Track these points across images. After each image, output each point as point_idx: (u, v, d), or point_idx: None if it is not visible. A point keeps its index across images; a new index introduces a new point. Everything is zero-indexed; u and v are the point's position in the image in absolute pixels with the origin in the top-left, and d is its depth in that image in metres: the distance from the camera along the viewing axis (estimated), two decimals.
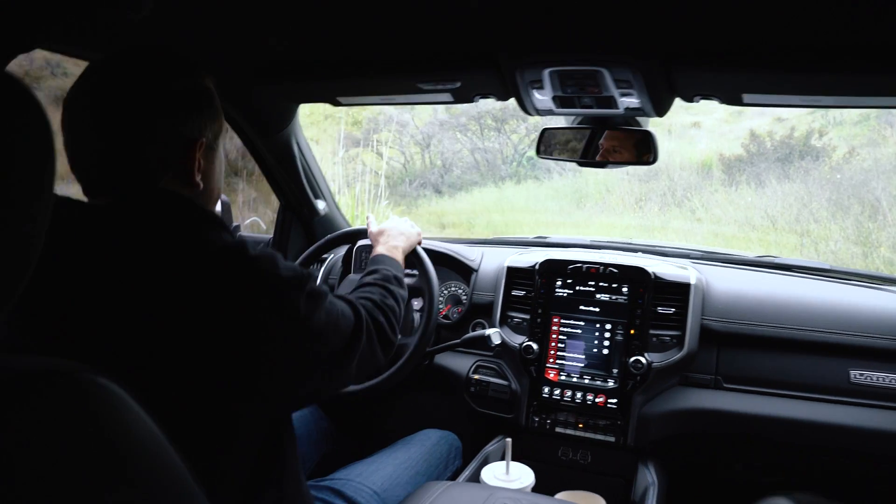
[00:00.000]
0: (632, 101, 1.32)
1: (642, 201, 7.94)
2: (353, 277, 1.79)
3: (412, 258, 1.61)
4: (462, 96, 1.45)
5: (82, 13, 1.09)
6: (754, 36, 1.08)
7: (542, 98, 1.36)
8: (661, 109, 1.36)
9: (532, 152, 8.77)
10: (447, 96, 1.46)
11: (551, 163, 8.39)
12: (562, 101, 1.36)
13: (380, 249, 1.48)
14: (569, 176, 8.90)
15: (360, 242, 1.77)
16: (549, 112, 1.43)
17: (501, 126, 9.98)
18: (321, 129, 9.74)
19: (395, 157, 9.85)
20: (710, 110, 9.46)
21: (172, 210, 0.90)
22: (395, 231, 1.56)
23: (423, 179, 9.66)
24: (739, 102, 1.30)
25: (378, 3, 1.05)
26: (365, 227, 1.64)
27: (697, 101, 1.35)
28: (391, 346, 1.18)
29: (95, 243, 0.86)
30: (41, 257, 0.82)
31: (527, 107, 1.41)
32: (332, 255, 1.96)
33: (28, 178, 0.57)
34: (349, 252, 1.91)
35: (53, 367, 0.59)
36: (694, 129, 9.59)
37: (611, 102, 1.33)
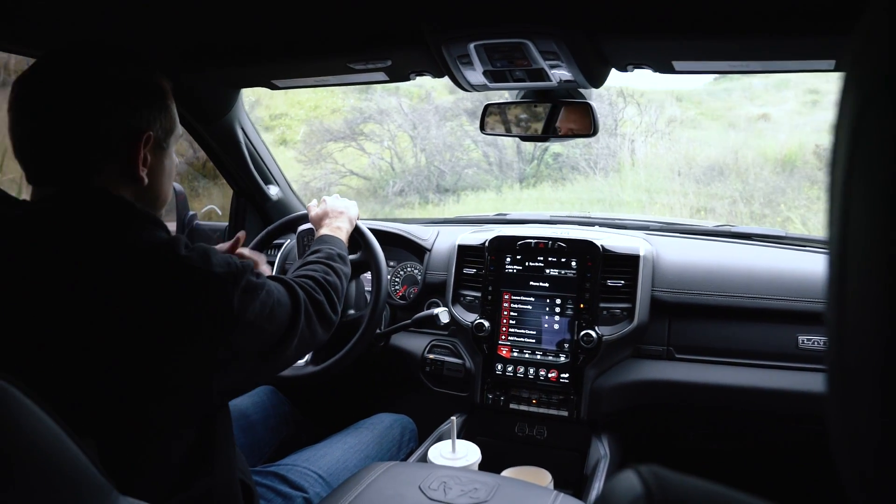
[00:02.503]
0: (563, 73, 1.30)
1: (703, 211, 6.20)
2: None
3: (357, 238, 1.60)
4: (396, 74, 1.44)
5: None
6: (680, 2, 1.07)
7: (475, 74, 1.34)
8: (595, 80, 1.34)
9: (557, 147, 7.51)
10: (381, 75, 1.44)
11: (581, 162, 7.61)
12: (494, 76, 1.34)
13: (323, 231, 1.49)
14: (590, 177, 7.45)
15: (301, 228, 1.75)
16: (485, 87, 1.41)
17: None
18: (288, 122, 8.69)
19: (378, 153, 8.18)
20: (778, 101, 8.37)
21: (104, 208, 0.89)
22: (335, 212, 1.56)
23: (412, 182, 7.88)
24: (671, 70, 1.28)
25: None
26: (305, 212, 1.63)
27: (631, 71, 1.33)
28: (331, 324, 1.18)
29: (25, 242, 0.84)
30: None
31: (461, 83, 1.39)
32: (287, 241, 1.94)
33: None
34: (300, 237, 1.90)
35: None
36: (762, 121, 8.27)
37: (542, 75, 1.31)
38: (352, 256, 1.66)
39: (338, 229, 1.50)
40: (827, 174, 0.34)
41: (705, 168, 6.83)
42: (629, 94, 8.06)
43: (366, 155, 8.03)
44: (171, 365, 0.85)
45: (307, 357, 1.61)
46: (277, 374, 1.21)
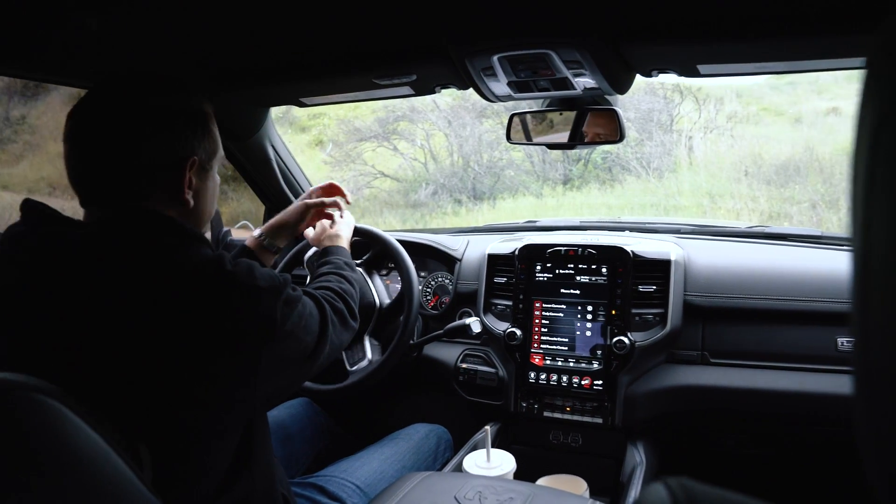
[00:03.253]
0: (587, 81, 1.30)
1: (779, 217, 5.46)
2: None
3: (365, 238, 1.67)
4: (422, 88, 1.46)
5: (31, 37, 1.11)
6: (702, 6, 1.07)
7: (499, 85, 1.35)
8: (619, 87, 1.34)
9: (606, 146, 7.29)
10: (407, 89, 1.46)
11: (633, 162, 7.02)
12: (518, 86, 1.35)
13: (324, 243, 1.52)
14: (643, 178, 6.73)
15: (307, 256, 1.75)
16: (509, 98, 1.42)
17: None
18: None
19: (411, 154, 7.59)
20: (849, 93, 7.43)
21: (152, 228, 0.92)
22: (332, 227, 1.59)
23: (445, 184, 7.23)
24: (696, 74, 1.28)
25: (325, 3, 1.06)
26: (305, 241, 1.70)
27: (656, 76, 1.33)
28: (353, 330, 1.23)
29: (80, 262, 0.87)
30: (29, 274, 0.85)
31: (486, 94, 1.40)
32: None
33: None
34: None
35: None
36: (832, 115, 7.60)
37: (566, 84, 1.32)
38: (366, 257, 1.69)
39: (336, 237, 1.53)
40: (848, 186, 0.34)
41: (777, 167, 6.02)
42: (685, 88, 7.53)
43: (398, 155, 7.57)
44: (219, 374, 0.88)
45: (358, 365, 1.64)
46: (311, 378, 1.26)
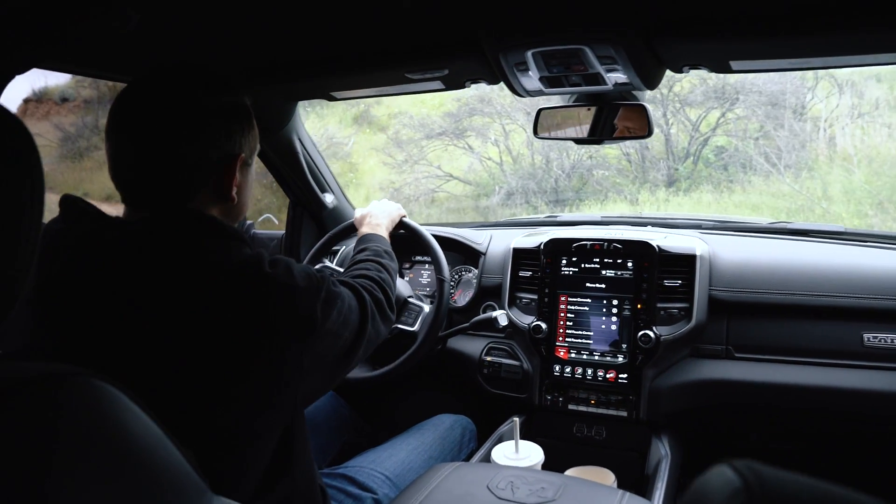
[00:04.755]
0: (619, 77, 1.31)
1: None
2: None
3: (423, 248, 1.69)
4: (452, 83, 1.46)
5: (72, 31, 1.13)
6: (735, 1, 1.07)
7: (531, 80, 1.36)
8: (650, 82, 1.35)
9: (721, 139, 5.81)
10: (437, 84, 1.47)
11: (757, 158, 5.47)
12: (550, 82, 1.36)
13: (364, 230, 1.56)
14: (772, 178, 5.30)
15: (343, 248, 1.81)
16: (540, 93, 1.43)
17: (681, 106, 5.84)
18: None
19: (485, 153, 6.43)
20: None
21: (195, 228, 0.92)
22: (376, 211, 1.64)
23: (523, 188, 6.06)
24: (728, 70, 1.28)
25: None
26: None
27: (687, 72, 1.34)
28: (391, 321, 1.23)
29: (124, 261, 0.88)
30: (69, 271, 0.86)
31: (516, 89, 1.41)
32: (343, 247, 1.99)
33: (14, 202, 0.60)
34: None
35: (51, 371, 0.62)
36: None
37: (598, 79, 1.33)
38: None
39: (377, 226, 1.56)
40: None
41: None
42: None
43: (470, 154, 6.51)
44: (259, 375, 0.88)
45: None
46: (349, 374, 1.27)
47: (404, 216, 1.71)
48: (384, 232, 1.55)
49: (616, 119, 1.51)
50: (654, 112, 1.53)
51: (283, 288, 0.91)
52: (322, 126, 6.68)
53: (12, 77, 1.15)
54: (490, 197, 6.13)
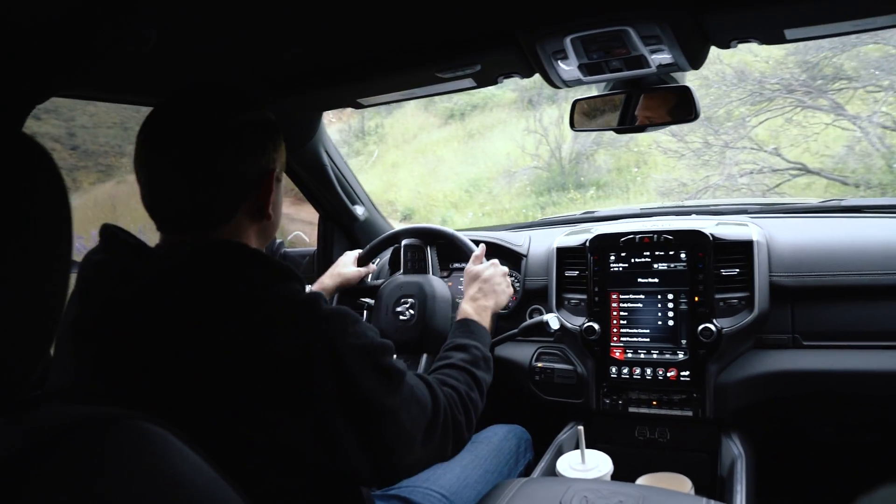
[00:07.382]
0: (664, 57, 1.23)
1: None
2: (402, 278, 1.74)
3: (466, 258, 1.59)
4: (484, 79, 1.40)
5: (88, 55, 1.08)
6: None
7: (568, 69, 1.29)
8: (696, 61, 1.27)
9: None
10: (469, 81, 1.40)
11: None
12: (589, 69, 1.29)
13: (467, 307, 1.33)
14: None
15: (406, 242, 1.73)
16: (578, 82, 1.36)
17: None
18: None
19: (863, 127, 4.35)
20: None
21: (240, 261, 0.87)
22: (489, 285, 1.40)
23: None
24: (782, 40, 1.20)
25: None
26: (397, 230, 1.67)
27: (735, 46, 1.26)
28: (461, 446, 1.05)
29: (168, 295, 0.83)
30: (112, 306, 0.82)
31: (553, 80, 1.34)
32: (378, 259, 1.93)
33: (46, 238, 0.58)
34: (395, 252, 1.88)
35: (97, 415, 0.60)
36: None
37: (641, 62, 1.25)
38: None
39: (484, 309, 1.34)
40: None
41: None
42: None
43: (849, 123, 4.10)
44: (304, 415, 0.81)
45: None
46: (379, 486, 1.12)
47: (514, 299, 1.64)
48: (488, 319, 1.32)
49: (656, 104, 1.43)
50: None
51: (335, 342, 0.83)
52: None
53: (33, 107, 1.11)
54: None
